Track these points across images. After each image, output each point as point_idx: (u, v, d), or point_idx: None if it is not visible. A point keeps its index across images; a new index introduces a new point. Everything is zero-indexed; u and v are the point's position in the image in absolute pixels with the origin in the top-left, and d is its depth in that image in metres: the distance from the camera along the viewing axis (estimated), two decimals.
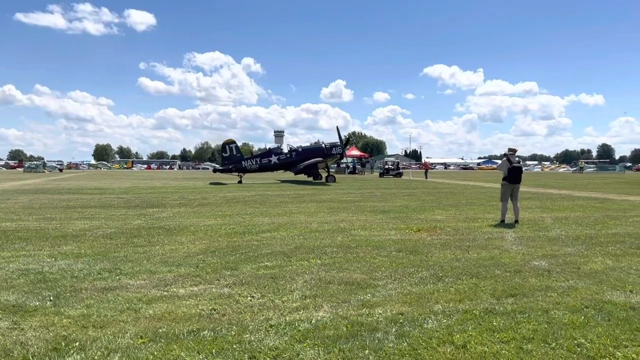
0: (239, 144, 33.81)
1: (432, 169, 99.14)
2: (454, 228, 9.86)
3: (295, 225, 10.12)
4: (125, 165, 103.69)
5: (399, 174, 45.21)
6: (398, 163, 49.47)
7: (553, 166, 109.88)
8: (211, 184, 30.55)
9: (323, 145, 33.86)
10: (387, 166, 46.92)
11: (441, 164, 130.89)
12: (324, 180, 32.13)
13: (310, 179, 34.00)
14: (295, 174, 33.88)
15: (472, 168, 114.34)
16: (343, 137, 35.04)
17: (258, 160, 32.93)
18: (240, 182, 30.97)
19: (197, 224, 10.30)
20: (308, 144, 35.24)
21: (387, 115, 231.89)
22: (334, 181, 31.45)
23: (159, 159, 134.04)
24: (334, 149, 33.02)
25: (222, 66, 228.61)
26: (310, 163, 31.98)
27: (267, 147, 37.75)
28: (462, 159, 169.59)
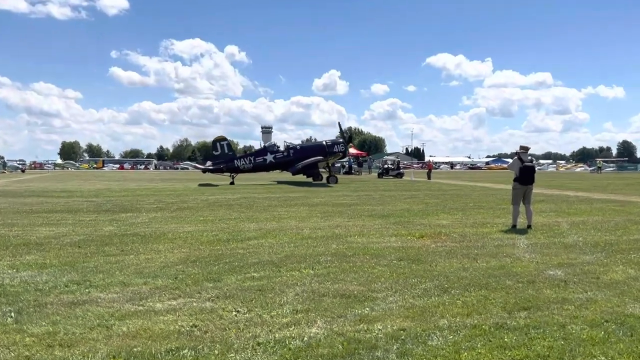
0: None
1: (436, 168, 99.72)
2: (460, 234, 9.90)
3: (285, 232, 10.12)
4: (95, 165, 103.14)
5: (400, 175, 45.37)
6: (399, 162, 49.63)
7: (569, 165, 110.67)
8: (200, 185, 30.60)
9: (324, 142, 34.10)
10: (386, 166, 47.03)
11: (446, 163, 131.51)
12: (324, 181, 32.29)
13: (310, 179, 34.17)
14: (293, 174, 34.00)
15: (480, 168, 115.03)
16: (345, 133, 35.18)
17: (252, 159, 33.13)
18: (232, 183, 31.13)
19: (176, 231, 10.28)
20: (299, 142, 35.44)
21: (386, 110, 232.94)
22: (336, 182, 31.61)
23: (133, 158, 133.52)
24: (335, 146, 33.20)
25: (203, 55, 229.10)
26: (310, 162, 32.10)
27: (263, 145, 38.07)
28: (469, 157, 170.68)
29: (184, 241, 8.98)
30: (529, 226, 10.75)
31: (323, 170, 34.63)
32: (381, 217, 12.92)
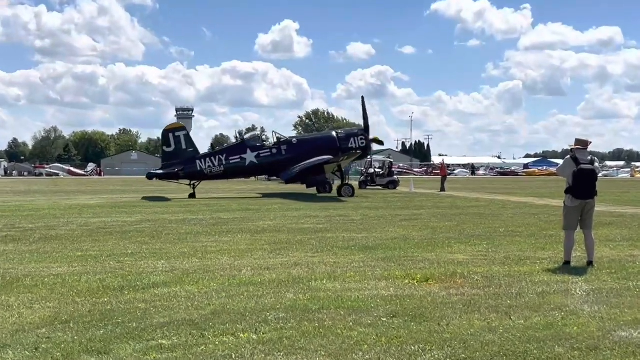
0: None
1: (450, 174, 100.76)
2: (485, 276, 10.00)
3: (213, 274, 10.05)
4: None
5: (393, 183, 45.76)
6: (391, 164, 50.06)
7: None
8: (144, 199, 30.63)
9: (334, 133, 35.10)
10: (372, 170, 47.16)
11: (464, 166, 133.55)
12: (334, 192, 33.07)
13: (306, 189, 35.09)
14: (287, 182, 35.17)
15: (515, 173, 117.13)
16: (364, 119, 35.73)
17: (223, 158, 33.87)
18: (192, 195, 32.10)
19: (38, 273, 10.11)
20: (288, 136, 35.90)
21: (370, 83, 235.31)
22: (352, 194, 32.40)
23: None
24: (352, 139, 34.07)
25: None
26: (313, 164, 32.68)
27: (239, 137, 38.71)
28: (499, 157, 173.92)
29: (51, 290, 8.82)
30: (590, 263, 10.96)
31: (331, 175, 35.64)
32: (364, 249, 12.95)
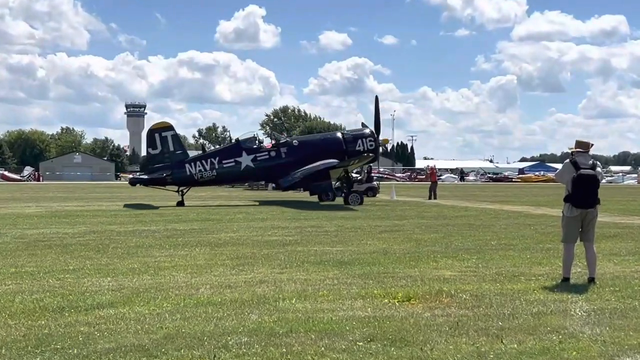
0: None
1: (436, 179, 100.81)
2: (474, 294, 10.06)
3: (167, 293, 10.03)
4: None
5: (372, 190, 45.80)
6: (370, 169, 50.10)
7: None
8: (126, 206, 30.85)
9: (339, 135, 35.60)
10: (348, 174, 47.32)
11: (452, 170, 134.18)
12: (340, 200, 33.57)
13: (308, 196, 35.93)
14: (285, 189, 35.75)
15: (509, 179, 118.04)
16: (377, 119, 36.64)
17: (215, 162, 34.13)
18: (181, 203, 32.64)
19: None
20: (277, 138, 36.28)
21: (346, 77, 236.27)
22: (361, 202, 33.03)
23: None
24: (360, 141, 34.66)
25: None
26: (317, 169, 33.08)
27: (232, 138, 39.29)
28: (491, 161, 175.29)
29: None
30: (591, 279, 11.06)
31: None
32: (339, 265, 12.98)
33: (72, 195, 46.33)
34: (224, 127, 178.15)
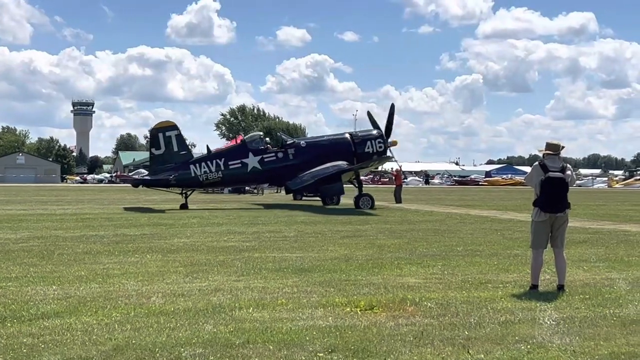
0: None
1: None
2: (439, 302, 10.08)
3: (116, 302, 9.96)
4: None
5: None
6: None
7: (629, 180, 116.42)
8: (126, 209, 30.81)
9: (347, 136, 36.02)
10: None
11: (416, 173, 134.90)
12: (343, 203, 34.25)
13: (310, 198, 36.78)
14: (293, 192, 36.80)
15: (475, 182, 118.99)
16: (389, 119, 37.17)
17: (221, 163, 34.35)
18: (184, 205, 33.05)
19: None
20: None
21: (305, 75, 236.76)
22: (372, 206, 33.53)
23: None
24: (368, 143, 35.01)
25: None
26: (327, 172, 33.46)
27: (239, 139, 39.36)
28: (457, 164, 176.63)
29: None
30: (561, 287, 11.15)
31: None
32: (298, 272, 12.97)
33: (14, 199, 45.76)
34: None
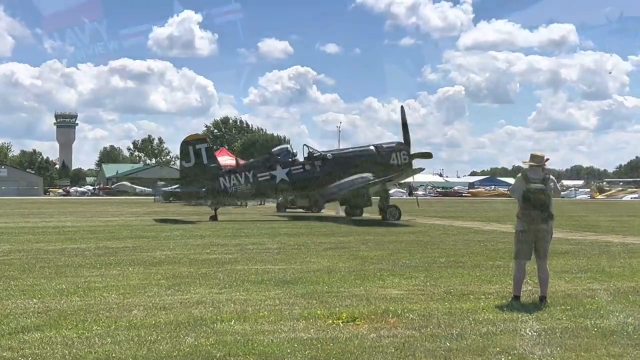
0: None
1: None
2: (422, 314, 10.11)
3: (97, 315, 9.94)
4: None
5: (317, 205, 45.87)
6: None
7: (612, 190, 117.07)
8: (157, 220, 31.07)
9: (372, 147, 36.51)
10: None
11: (400, 184, 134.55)
12: (367, 214, 34.37)
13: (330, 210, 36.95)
14: (323, 204, 36.63)
15: (459, 193, 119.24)
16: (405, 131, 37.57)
17: (251, 175, 34.97)
18: (214, 217, 33.64)
19: None
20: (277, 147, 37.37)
21: (288, 87, 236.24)
22: (399, 217, 33.95)
23: None
24: (393, 155, 35.59)
25: None
26: (354, 184, 34.11)
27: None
28: (440, 175, 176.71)
29: None
30: (543, 298, 11.18)
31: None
32: (281, 284, 12.95)
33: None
34: (160, 138, 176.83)
